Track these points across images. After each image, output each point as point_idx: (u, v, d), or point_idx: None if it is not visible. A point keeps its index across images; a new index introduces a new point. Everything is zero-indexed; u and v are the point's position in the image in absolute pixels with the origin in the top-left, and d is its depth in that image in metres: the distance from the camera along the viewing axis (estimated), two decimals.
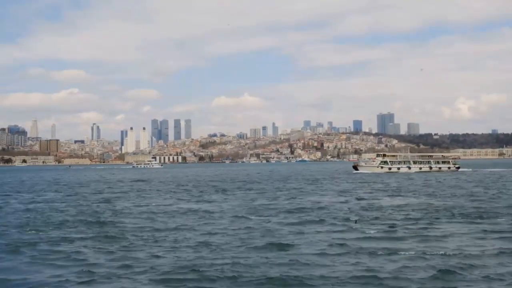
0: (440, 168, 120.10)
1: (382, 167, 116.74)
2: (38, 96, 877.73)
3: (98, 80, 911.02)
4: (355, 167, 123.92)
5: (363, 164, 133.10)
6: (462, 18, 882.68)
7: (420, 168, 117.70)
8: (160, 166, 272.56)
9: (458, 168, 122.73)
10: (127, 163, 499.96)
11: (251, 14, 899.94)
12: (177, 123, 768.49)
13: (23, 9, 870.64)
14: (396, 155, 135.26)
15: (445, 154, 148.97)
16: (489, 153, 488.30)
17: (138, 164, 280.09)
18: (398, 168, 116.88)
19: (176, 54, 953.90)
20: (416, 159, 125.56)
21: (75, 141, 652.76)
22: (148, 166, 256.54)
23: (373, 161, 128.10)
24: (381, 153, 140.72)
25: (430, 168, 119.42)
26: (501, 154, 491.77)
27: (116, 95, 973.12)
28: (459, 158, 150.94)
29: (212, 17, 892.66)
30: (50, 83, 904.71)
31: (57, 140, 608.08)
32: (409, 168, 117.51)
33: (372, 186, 66.08)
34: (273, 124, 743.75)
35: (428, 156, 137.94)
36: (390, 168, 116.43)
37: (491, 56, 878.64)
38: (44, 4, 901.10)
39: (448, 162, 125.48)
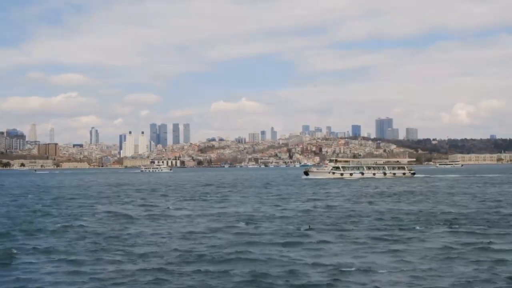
0: (394, 174, 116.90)
1: (333, 173, 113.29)
2: (37, 99, 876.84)
3: (97, 84, 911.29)
4: (306, 173, 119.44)
5: (314, 169, 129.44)
6: (461, 24, 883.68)
7: (374, 174, 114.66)
8: (169, 171, 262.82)
9: (414, 174, 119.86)
10: (126, 167, 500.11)
11: (251, 19, 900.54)
12: (175, 127, 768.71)
13: (24, 13, 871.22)
14: (349, 161, 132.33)
15: (402, 160, 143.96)
16: (488, 158, 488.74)
17: (146, 168, 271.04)
18: (351, 174, 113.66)
19: (176, 58, 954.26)
20: (370, 165, 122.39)
21: (74, 145, 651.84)
22: (157, 171, 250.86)
23: (326, 166, 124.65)
24: (333, 159, 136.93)
25: (384, 174, 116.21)
26: (499, 159, 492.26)
27: (115, 99, 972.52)
28: (413, 164, 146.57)
29: (211, 22, 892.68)
30: (49, 87, 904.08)
31: (56, 144, 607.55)
32: (362, 174, 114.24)
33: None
34: (272, 128, 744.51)
35: (383, 162, 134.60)
36: (342, 174, 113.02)
37: (490, 62, 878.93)
38: (44, 8, 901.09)
39: (403, 168, 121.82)
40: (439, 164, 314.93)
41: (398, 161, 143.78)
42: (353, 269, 18.13)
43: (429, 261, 19.27)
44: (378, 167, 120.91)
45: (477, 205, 42.64)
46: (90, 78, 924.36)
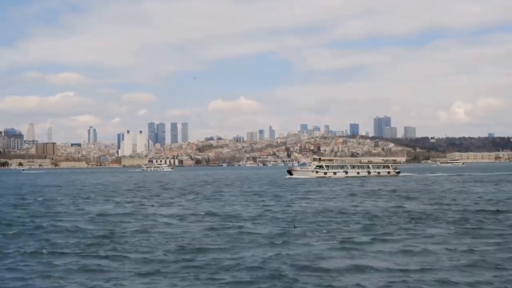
0: (379, 173, 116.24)
1: (317, 172, 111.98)
2: (34, 99, 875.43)
3: (94, 84, 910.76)
4: (290, 172, 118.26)
5: (298, 169, 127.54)
6: (458, 23, 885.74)
7: (358, 173, 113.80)
8: (171, 170, 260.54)
9: (399, 173, 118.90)
10: (124, 166, 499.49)
11: (249, 18, 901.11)
12: (173, 126, 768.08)
13: (20, 13, 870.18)
14: (333, 160, 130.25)
15: (387, 158, 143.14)
16: (486, 157, 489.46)
17: (147, 167, 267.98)
18: (334, 173, 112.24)
19: (173, 58, 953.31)
20: (354, 164, 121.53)
21: (72, 144, 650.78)
22: (158, 170, 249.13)
23: (310, 165, 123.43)
24: (317, 158, 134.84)
25: (369, 172, 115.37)
26: (497, 157, 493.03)
27: (112, 99, 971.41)
28: (400, 163, 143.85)
29: (209, 21, 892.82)
30: (46, 86, 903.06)
31: (54, 143, 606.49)
32: (346, 173, 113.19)
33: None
34: (270, 127, 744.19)
35: (367, 161, 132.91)
36: (325, 173, 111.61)
37: (487, 61, 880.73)
38: (41, 8, 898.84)
39: (388, 167, 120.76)
40: (440, 163, 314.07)
41: (383, 159, 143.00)
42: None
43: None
44: (362, 166, 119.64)
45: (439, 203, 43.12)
46: (87, 77, 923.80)
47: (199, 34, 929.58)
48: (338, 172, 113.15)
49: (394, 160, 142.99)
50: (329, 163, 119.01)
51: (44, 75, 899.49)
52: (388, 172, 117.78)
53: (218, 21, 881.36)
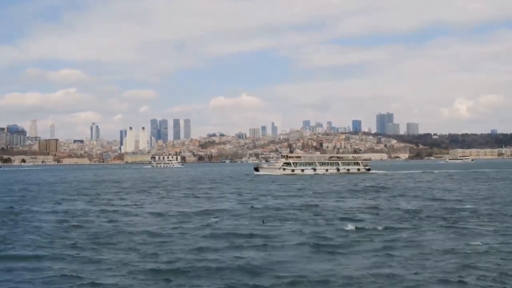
0: (348, 170, 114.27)
1: (284, 169, 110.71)
2: (35, 96, 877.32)
3: (96, 80, 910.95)
4: (257, 169, 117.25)
5: (265, 165, 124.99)
6: (459, 20, 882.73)
7: (327, 170, 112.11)
8: (181, 166, 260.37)
9: (369, 170, 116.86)
10: (126, 162, 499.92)
11: (249, 15, 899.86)
12: (176, 123, 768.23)
13: (21, 10, 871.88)
14: (301, 156, 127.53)
15: (357, 155, 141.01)
16: (488, 153, 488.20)
17: (157, 163, 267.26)
18: (302, 170, 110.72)
19: (174, 55, 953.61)
20: (322, 161, 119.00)
21: (74, 141, 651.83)
22: (168, 166, 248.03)
23: (277, 162, 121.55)
24: (285, 154, 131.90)
25: (338, 170, 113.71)
26: (500, 154, 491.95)
27: (113, 95, 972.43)
28: (370, 159, 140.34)
29: (210, 18, 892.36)
30: (47, 83, 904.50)
31: (56, 140, 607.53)
32: (315, 170, 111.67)
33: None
34: (273, 124, 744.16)
35: (337, 157, 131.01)
36: (293, 170, 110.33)
37: (489, 57, 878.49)
38: (42, 5, 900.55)
39: (358, 164, 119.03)
40: (449, 159, 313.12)
41: (354, 156, 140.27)
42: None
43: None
44: (332, 163, 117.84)
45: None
46: (88, 74, 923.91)
47: (199, 31, 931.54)
48: (306, 169, 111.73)
49: (365, 157, 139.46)
50: (297, 160, 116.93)
51: (45, 72, 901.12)
52: (358, 169, 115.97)
53: (219, 18, 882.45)
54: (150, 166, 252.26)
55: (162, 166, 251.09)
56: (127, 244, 22.76)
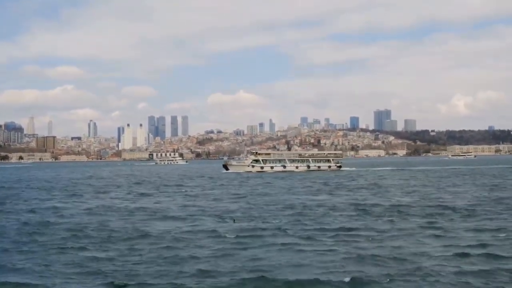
0: (319, 167, 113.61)
1: (253, 166, 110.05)
2: (33, 93, 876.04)
3: (93, 77, 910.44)
4: (225, 166, 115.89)
5: (234, 163, 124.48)
6: (457, 16, 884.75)
7: (297, 167, 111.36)
8: (185, 163, 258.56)
9: (340, 167, 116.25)
10: (124, 159, 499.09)
11: (248, 12, 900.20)
12: (174, 119, 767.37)
13: (20, 7, 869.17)
14: (270, 154, 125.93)
15: (331, 152, 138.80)
16: (486, 150, 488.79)
17: (161, 160, 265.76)
18: (272, 167, 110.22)
19: (172, 52, 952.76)
20: (292, 158, 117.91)
21: (72, 138, 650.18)
22: (172, 163, 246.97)
23: (247, 159, 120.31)
24: (254, 151, 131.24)
25: (308, 167, 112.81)
26: (497, 150, 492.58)
27: (111, 92, 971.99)
28: (342, 157, 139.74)
29: (208, 15, 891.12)
30: (45, 80, 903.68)
31: (54, 137, 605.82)
32: (284, 167, 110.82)
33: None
34: (270, 120, 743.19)
35: (308, 154, 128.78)
36: (262, 168, 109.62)
37: (487, 54, 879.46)
38: (41, 2, 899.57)
39: (329, 161, 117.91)
40: (452, 155, 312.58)
41: (325, 153, 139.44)
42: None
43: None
44: (302, 160, 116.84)
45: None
46: (86, 71, 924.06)
47: (198, 28, 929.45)
48: (275, 166, 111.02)
49: (336, 154, 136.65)
50: (267, 157, 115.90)
51: (43, 69, 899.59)
52: (329, 167, 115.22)
53: (218, 15, 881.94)
54: (153, 163, 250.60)
55: (165, 163, 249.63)
56: None
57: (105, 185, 71.79)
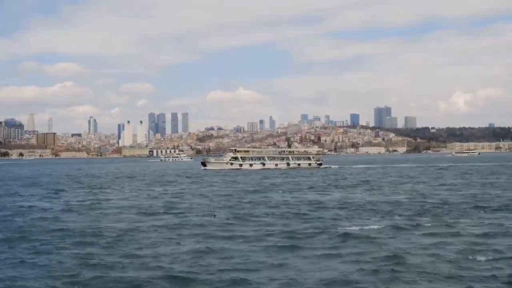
0: (299, 164, 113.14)
1: (232, 164, 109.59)
2: (32, 89, 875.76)
3: (93, 74, 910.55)
4: (204, 164, 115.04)
5: (212, 160, 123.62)
6: (457, 13, 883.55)
7: (276, 165, 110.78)
8: (190, 159, 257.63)
9: (320, 164, 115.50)
10: (124, 156, 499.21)
11: (247, 9, 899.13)
12: (174, 116, 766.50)
13: (19, 4, 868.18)
14: (249, 151, 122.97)
15: (311, 150, 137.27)
16: (486, 147, 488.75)
17: (166, 157, 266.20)
18: (251, 165, 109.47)
19: (172, 48, 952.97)
20: (272, 155, 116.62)
21: (72, 135, 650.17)
22: (177, 160, 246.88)
23: (226, 157, 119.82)
24: (233, 149, 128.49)
25: (288, 164, 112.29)
26: (497, 147, 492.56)
27: (111, 89, 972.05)
28: (323, 154, 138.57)
29: (207, 12, 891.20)
30: (44, 77, 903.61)
31: (54, 134, 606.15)
32: (263, 164, 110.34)
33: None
34: (271, 117, 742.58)
35: (288, 152, 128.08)
36: (241, 165, 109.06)
37: (487, 51, 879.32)
38: None
39: (309, 159, 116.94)
40: (455, 153, 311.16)
41: (306, 151, 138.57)
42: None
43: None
44: (282, 157, 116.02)
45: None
46: (85, 68, 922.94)
47: (198, 25, 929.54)
48: (254, 164, 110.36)
49: (318, 152, 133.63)
50: (245, 155, 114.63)
51: (42, 65, 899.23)
52: (309, 164, 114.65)
53: (217, 12, 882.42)
54: (158, 160, 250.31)
55: (170, 160, 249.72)
56: None
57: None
